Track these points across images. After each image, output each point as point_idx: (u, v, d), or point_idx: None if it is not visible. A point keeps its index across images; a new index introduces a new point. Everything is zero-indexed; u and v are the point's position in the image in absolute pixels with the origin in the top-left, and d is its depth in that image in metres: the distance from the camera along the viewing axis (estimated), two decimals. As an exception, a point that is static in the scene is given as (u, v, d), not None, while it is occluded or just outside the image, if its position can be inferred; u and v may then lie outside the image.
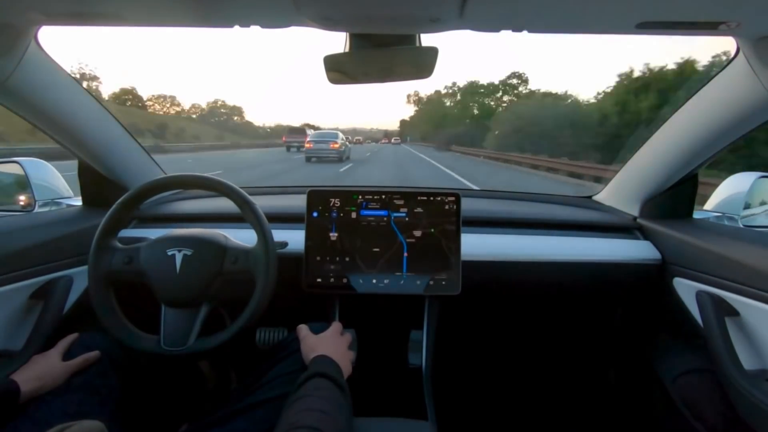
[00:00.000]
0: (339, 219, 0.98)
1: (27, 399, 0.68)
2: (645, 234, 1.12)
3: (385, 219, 0.98)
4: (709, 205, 1.24)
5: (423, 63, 0.78)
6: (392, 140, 76.85)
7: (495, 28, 0.67)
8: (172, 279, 0.81)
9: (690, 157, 0.98)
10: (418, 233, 0.98)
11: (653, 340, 1.14)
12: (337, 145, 15.98)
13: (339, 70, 0.79)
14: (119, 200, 0.84)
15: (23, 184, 1.20)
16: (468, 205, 1.05)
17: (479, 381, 1.43)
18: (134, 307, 0.85)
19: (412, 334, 1.02)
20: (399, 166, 15.69)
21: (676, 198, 1.09)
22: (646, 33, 0.65)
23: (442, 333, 1.05)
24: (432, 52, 0.74)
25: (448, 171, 13.41)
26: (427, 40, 0.73)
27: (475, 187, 6.64)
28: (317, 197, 0.99)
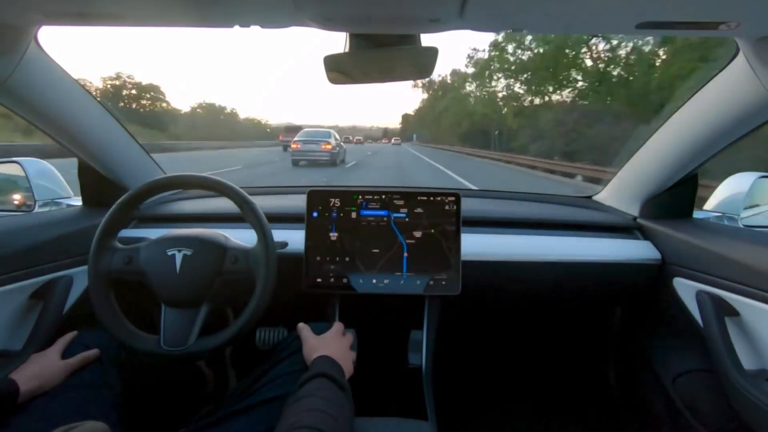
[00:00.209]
0: (339, 219, 0.98)
1: (26, 398, 0.68)
2: (645, 234, 1.12)
3: (385, 219, 0.98)
4: (709, 205, 1.24)
5: (423, 63, 0.78)
6: (392, 140, 71.79)
7: (495, 28, 0.67)
8: (172, 279, 0.81)
9: (690, 157, 0.98)
10: (418, 234, 0.98)
11: (653, 340, 1.14)
12: (329, 146, 13.31)
13: (339, 70, 0.79)
14: (119, 200, 0.84)
15: (23, 184, 1.20)
16: (468, 205, 1.05)
17: (479, 381, 1.43)
18: (134, 307, 0.85)
19: (412, 334, 1.02)
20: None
21: (676, 198, 1.09)
22: (647, 33, 0.65)
23: (442, 333, 1.05)
24: (432, 52, 0.74)
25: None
26: (427, 40, 0.74)
27: (474, 187, 6.63)
28: (317, 197, 0.99)
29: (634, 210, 1.17)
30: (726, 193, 1.22)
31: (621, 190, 1.24)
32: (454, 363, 1.31)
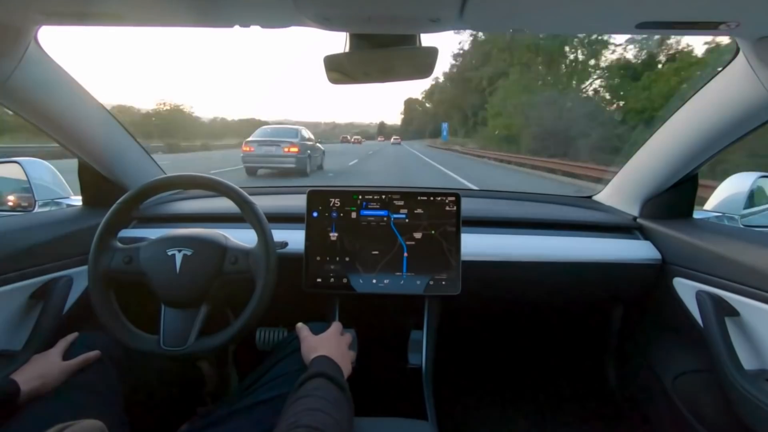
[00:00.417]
0: (339, 219, 0.98)
1: (27, 399, 0.68)
2: (645, 234, 1.12)
3: (384, 219, 0.98)
4: (709, 205, 1.24)
5: (423, 63, 0.78)
6: (392, 139, 55.96)
7: (495, 28, 0.67)
8: (172, 279, 0.81)
9: (690, 157, 0.98)
10: (418, 235, 0.98)
11: (653, 340, 1.14)
12: (295, 149, 9.65)
13: (339, 70, 0.79)
14: (119, 200, 0.84)
15: (23, 184, 1.20)
16: (468, 205, 1.05)
17: (479, 381, 1.43)
18: (134, 307, 0.85)
19: (412, 334, 1.02)
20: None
21: (676, 198, 1.09)
22: (647, 33, 0.65)
23: (442, 333, 1.05)
24: (432, 52, 0.74)
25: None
26: (427, 40, 0.73)
27: (475, 187, 6.63)
28: (317, 197, 0.99)
29: (634, 210, 1.17)
30: (726, 193, 1.22)
31: (621, 190, 1.24)
32: (454, 363, 1.31)
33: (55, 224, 0.96)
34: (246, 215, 0.85)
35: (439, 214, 0.98)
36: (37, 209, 1.17)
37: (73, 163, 1.08)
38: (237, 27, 0.66)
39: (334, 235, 0.98)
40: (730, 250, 0.86)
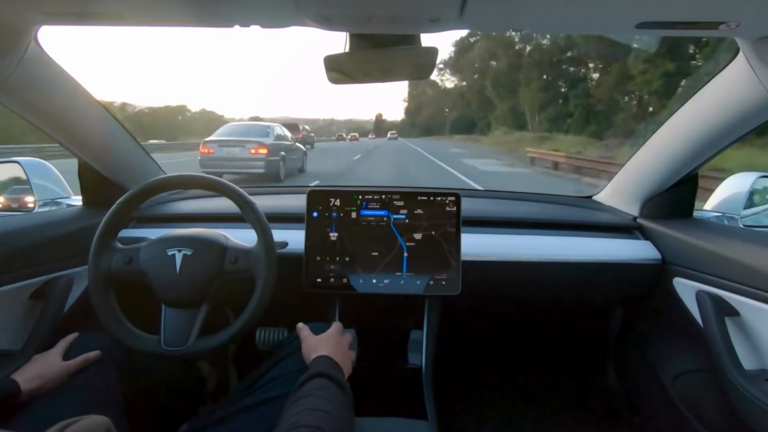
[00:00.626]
0: (339, 219, 0.98)
1: (27, 399, 0.68)
2: (645, 234, 1.12)
3: (384, 219, 0.98)
4: (709, 205, 1.24)
5: (423, 63, 0.78)
6: (388, 135, 50.15)
7: (495, 28, 0.67)
8: (172, 279, 0.81)
9: (690, 157, 0.98)
10: (418, 236, 0.97)
11: (653, 340, 1.14)
12: (263, 150, 7.92)
13: (339, 70, 0.79)
14: (119, 200, 0.84)
15: (23, 184, 1.20)
16: (468, 205, 1.05)
17: (479, 381, 1.43)
18: (134, 307, 0.85)
19: (412, 334, 1.02)
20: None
21: (676, 198, 1.09)
22: (647, 33, 0.65)
23: (442, 333, 1.05)
24: (432, 52, 0.74)
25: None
26: (427, 40, 0.73)
27: (476, 187, 6.62)
28: (317, 197, 0.99)
29: (634, 210, 1.17)
30: (726, 193, 1.22)
31: (621, 190, 1.24)
32: (454, 363, 1.31)
33: (56, 224, 0.96)
34: (246, 215, 0.85)
35: (439, 215, 0.98)
36: (37, 209, 1.17)
37: (73, 163, 1.08)
38: (237, 27, 0.66)
39: (334, 235, 0.98)
40: (730, 250, 0.86)
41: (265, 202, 0.92)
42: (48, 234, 0.91)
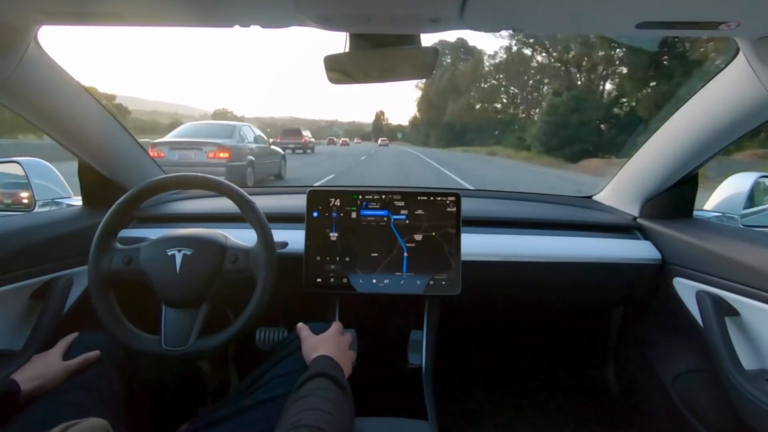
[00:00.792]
0: (339, 219, 0.98)
1: (27, 399, 0.68)
2: (645, 234, 1.12)
3: (384, 219, 0.98)
4: (709, 205, 1.24)
5: (423, 63, 0.78)
6: (378, 141, 46.92)
7: (495, 28, 0.67)
8: (172, 279, 0.81)
9: (690, 157, 0.98)
10: (418, 237, 0.97)
11: (653, 340, 1.14)
12: (225, 154, 6.60)
13: (339, 70, 0.79)
14: (119, 200, 0.84)
15: (23, 184, 1.20)
16: (468, 205, 1.05)
17: (479, 381, 1.43)
18: (134, 307, 0.85)
19: (412, 334, 1.02)
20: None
21: (676, 198, 1.09)
22: (647, 33, 0.65)
23: (442, 333, 1.05)
24: (432, 52, 0.74)
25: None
26: (427, 39, 0.73)
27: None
28: (317, 197, 0.99)
29: (634, 210, 1.17)
30: (726, 193, 1.22)
31: (621, 190, 1.24)
32: (454, 363, 1.31)
33: (55, 224, 0.96)
34: (246, 215, 0.85)
35: (440, 215, 0.98)
36: (37, 209, 1.17)
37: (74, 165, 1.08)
38: (237, 27, 0.66)
39: (334, 235, 0.98)
40: (730, 250, 0.86)
41: (265, 202, 0.92)
42: (48, 234, 0.91)
